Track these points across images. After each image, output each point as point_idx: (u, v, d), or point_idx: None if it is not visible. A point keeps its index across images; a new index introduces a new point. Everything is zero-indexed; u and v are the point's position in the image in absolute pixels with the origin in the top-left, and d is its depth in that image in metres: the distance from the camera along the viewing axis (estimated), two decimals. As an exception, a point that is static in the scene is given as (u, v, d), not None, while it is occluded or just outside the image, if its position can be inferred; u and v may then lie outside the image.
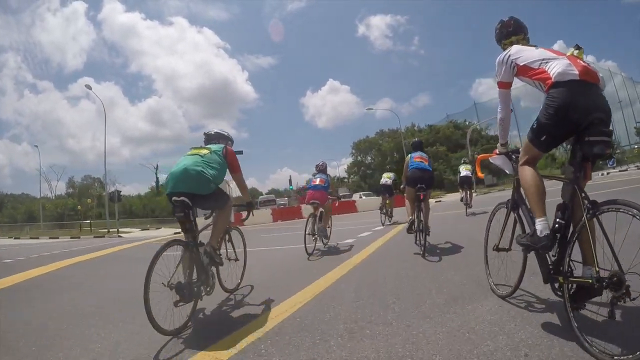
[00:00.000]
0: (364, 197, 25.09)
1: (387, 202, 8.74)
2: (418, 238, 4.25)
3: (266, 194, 41.25)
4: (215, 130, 2.99)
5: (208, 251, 2.48)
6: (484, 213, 8.20)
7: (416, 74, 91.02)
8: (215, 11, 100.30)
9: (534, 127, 1.79)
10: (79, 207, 32.09)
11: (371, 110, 60.09)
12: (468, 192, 8.90)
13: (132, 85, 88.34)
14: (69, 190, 54.93)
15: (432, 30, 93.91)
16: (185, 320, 2.25)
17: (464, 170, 9.18)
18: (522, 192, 1.93)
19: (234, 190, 3.63)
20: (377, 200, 17.50)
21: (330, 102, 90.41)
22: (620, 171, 22.45)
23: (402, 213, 5.89)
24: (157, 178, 47.61)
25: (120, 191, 32.10)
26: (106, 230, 22.32)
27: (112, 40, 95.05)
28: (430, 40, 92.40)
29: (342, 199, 27.98)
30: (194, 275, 2.38)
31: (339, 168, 59.22)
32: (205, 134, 3.00)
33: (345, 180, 55.21)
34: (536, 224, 1.73)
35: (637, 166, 23.96)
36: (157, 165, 47.98)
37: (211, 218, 2.77)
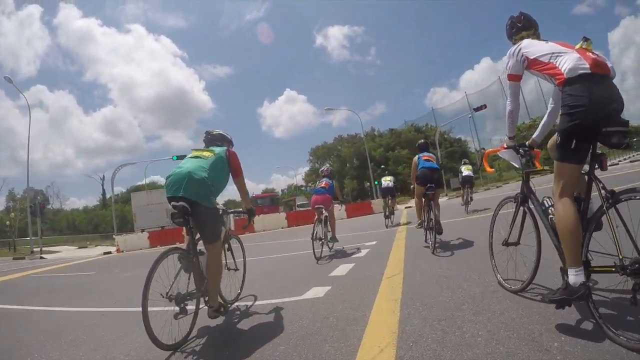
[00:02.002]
0: None
1: (389, 203, 9.29)
2: (428, 236, 4.56)
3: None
4: (218, 131, 3.02)
5: (212, 317, 2.50)
6: (485, 209, 8.90)
7: (372, 83, 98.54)
8: (173, 20, 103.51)
9: (559, 141, 1.80)
10: (7, 222, 28.40)
11: (330, 110, 61.27)
12: (469, 191, 9.69)
13: (86, 94, 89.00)
14: (9, 204, 51.20)
15: (388, 41, 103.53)
16: (186, 334, 2.28)
17: (466, 171, 10.03)
18: (557, 230, 1.83)
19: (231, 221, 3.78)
20: (341, 209, 18.28)
21: (288, 112, 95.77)
22: (611, 164, 24.00)
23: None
24: (103, 190, 47.57)
25: (43, 204, 28.90)
26: (31, 249, 20.14)
27: (68, 46, 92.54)
28: (386, 50, 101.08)
29: (300, 209, 28.12)
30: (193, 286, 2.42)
31: (296, 177, 59.37)
32: (207, 132, 3.01)
33: (303, 188, 55.26)
34: (570, 275, 1.68)
35: (622, 160, 25.84)
36: (104, 176, 47.65)
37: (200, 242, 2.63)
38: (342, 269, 4.12)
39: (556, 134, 1.86)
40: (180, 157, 29.43)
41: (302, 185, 56.03)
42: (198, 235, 2.57)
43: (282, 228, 16.64)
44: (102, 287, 5.53)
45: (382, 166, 42.64)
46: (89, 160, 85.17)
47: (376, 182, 31.14)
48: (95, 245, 23.91)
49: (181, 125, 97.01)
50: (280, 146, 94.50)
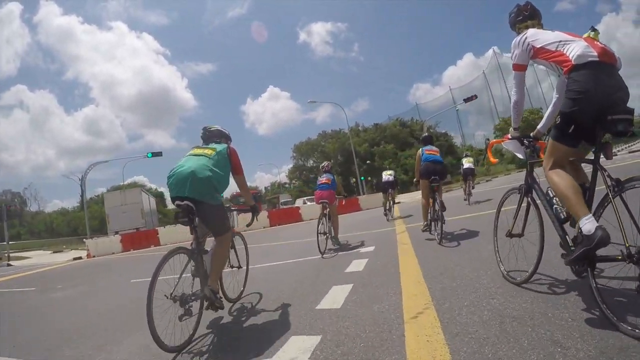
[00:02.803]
0: (308, 203, 23.74)
1: (390, 197, 9.61)
2: (433, 227, 4.80)
3: None
4: (216, 127, 3.03)
5: (207, 295, 2.40)
6: (487, 200, 9.47)
7: (356, 80, 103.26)
8: (155, 16, 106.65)
9: (559, 122, 1.88)
10: None
11: (313, 103, 61.11)
12: (471, 183, 10.21)
13: (67, 93, 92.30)
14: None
15: (372, 37, 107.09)
16: (190, 335, 2.30)
17: (467, 163, 10.66)
18: (557, 197, 1.98)
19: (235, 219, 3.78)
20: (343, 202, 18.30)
21: (271, 109, 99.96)
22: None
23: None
24: (82, 191, 46.87)
25: (11, 206, 27.58)
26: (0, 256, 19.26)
27: (48, 44, 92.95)
28: (369, 46, 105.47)
29: (284, 206, 27.86)
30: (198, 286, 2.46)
31: (279, 175, 59.27)
32: (204, 128, 3.01)
33: (287, 185, 55.06)
34: (583, 225, 1.71)
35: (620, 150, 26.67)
36: (82, 177, 46.70)
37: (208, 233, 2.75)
38: (356, 264, 4.05)
39: (557, 115, 1.92)
40: (156, 155, 29.00)
41: (285, 183, 55.83)
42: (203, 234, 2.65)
43: (264, 228, 16.20)
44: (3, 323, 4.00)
45: (368, 161, 43.03)
46: (71, 161, 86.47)
47: (362, 178, 31.37)
48: (72, 249, 22.99)
49: (164, 124, 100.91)
50: (264, 143, 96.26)
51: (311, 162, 55.35)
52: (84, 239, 19.08)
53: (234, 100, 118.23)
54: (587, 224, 1.70)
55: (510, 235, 2.37)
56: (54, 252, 23.19)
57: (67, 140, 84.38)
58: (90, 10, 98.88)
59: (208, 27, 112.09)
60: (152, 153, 26.19)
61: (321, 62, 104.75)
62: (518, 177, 21.07)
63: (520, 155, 2.35)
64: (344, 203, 7.29)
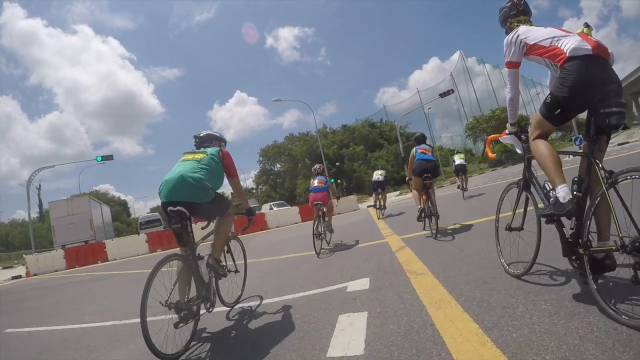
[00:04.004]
0: (275, 209, 23.22)
1: (380, 196, 10.28)
2: (428, 223, 5.18)
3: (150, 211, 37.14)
4: (206, 132, 3.09)
5: (210, 263, 2.56)
6: (480, 195, 10.21)
7: (323, 84, 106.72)
8: (121, 20, 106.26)
9: (548, 101, 2.03)
10: None
11: (279, 101, 60.88)
12: (464, 178, 10.92)
13: (31, 99, 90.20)
14: None
15: (339, 42, 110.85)
16: (187, 342, 2.34)
17: (458, 159, 11.36)
18: (538, 164, 2.16)
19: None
20: (294, 211, 18.02)
21: (238, 114, 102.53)
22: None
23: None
24: (40, 201, 45.11)
25: None
26: None
27: (12, 48, 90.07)
28: (336, 51, 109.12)
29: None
30: (193, 292, 2.51)
31: (247, 181, 58.41)
32: (195, 137, 3.08)
33: (254, 190, 54.24)
34: (558, 191, 1.94)
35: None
36: (40, 186, 45.56)
37: (209, 227, 2.87)
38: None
39: (548, 93, 2.07)
40: (107, 158, 27.53)
41: (252, 188, 54.96)
42: (196, 240, 2.69)
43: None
44: None
45: (337, 163, 43.46)
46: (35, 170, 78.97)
47: (332, 180, 31.58)
48: (23, 264, 21.04)
49: (130, 131, 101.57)
50: (231, 149, 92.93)
51: (278, 166, 55.02)
52: (24, 255, 17.46)
53: (201, 106, 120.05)
54: (562, 191, 1.93)
55: (510, 229, 2.49)
56: (3, 268, 21.03)
57: (31, 149, 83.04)
58: (55, 13, 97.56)
59: (174, 32, 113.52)
60: (101, 157, 25.23)
61: (288, 67, 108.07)
62: (491, 175, 22.25)
63: (518, 150, 2.48)
64: (336, 205, 7.56)
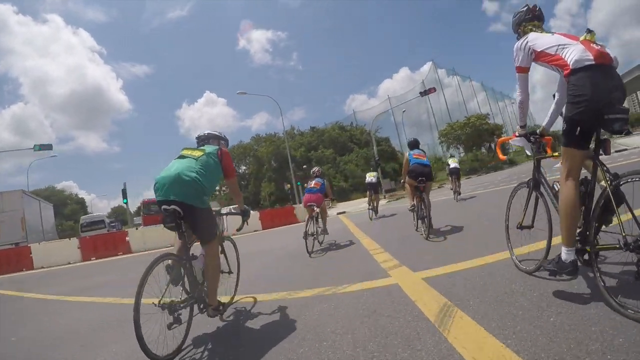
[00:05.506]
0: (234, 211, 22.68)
1: (373, 198, 10.83)
2: (419, 225, 5.55)
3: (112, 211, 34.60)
4: (207, 132, 3.14)
5: (211, 314, 2.66)
6: (471, 198, 10.92)
7: (293, 88, 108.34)
8: (93, 12, 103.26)
9: (565, 128, 2.10)
10: None
11: (243, 94, 60.09)
12: (457, 182, 11.53)
13: None
14: None
15: (311, 47, 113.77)
16: (179, 344, 2.38)
17: (453, 163, 12.01)
18: (559, 207, 2.18)
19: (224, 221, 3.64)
20: (254, 217, 17.82)
21: (207, 115, 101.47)
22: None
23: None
24: None
25: None
26: None
27: None
28: (308, 56, 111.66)
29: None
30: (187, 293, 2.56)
31: (212, 183, 57.13)
32: (197, 137, 3.14)
33: (216, 193, 52.79)
34: (563, 252, 2.11)
35: None
36: None
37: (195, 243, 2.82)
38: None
39: (562, 121, 2.20)
40: (45, 148, 25.86)
41: (217, 190, 53.53)
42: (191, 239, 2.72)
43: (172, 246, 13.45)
44: None
45: (304, 166, 43.45)
46: (-5, 163, 72.89)
47: (298, 183, 31.34)
48: None
49: (96, 126, 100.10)
50: None
51: (243, 168, 54.09)
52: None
53: (170, 105, 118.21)
54: (567, 254, 2.10)
55: (521, 227, 2.69)
56: None
57: (-8, 140, 78.90)
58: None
59: (146, 28, 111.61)
60: (39, 146, 25.63)
61: (259, 70, 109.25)
62: (476, 181, 23.22)
63: (527, 152, 2.68)
64: (330, 206, 8.11)
